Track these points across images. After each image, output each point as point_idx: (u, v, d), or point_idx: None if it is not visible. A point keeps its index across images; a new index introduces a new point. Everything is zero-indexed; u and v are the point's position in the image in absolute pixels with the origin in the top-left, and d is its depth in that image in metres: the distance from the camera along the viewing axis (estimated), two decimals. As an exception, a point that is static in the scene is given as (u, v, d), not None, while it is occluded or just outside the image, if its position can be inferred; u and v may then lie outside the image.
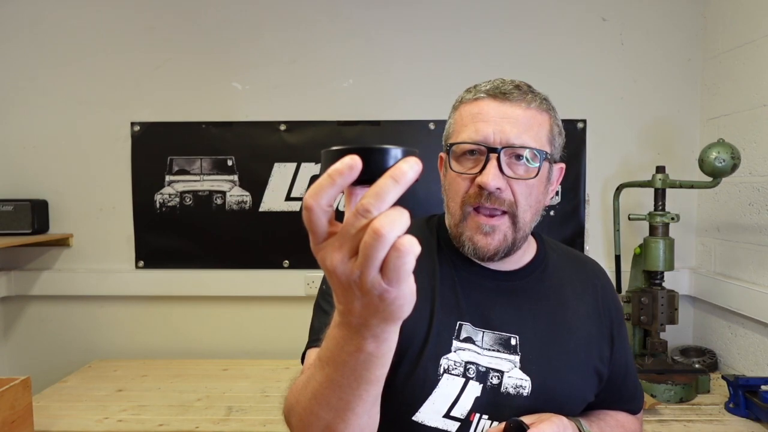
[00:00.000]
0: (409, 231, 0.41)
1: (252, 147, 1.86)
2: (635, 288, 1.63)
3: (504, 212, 0.82)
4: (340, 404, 0.57)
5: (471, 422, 0.80)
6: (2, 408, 1.15)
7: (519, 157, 0.81)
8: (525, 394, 0.81)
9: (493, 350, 0.83)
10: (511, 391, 0.81)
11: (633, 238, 1.81)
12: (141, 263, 1.88)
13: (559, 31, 1.83)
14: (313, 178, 1.85)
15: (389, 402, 0.67)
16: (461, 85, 0.91)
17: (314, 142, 1.86)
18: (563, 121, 0.90)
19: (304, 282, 1.85)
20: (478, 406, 0.80)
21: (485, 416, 0.80)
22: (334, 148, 0.42)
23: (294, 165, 1.87)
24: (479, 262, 0.88)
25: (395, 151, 0.42)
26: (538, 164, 0.81)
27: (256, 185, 1.87)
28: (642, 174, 1.79)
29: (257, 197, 1.87)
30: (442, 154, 0.90)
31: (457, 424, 0.79)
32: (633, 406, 0.98)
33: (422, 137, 1.84)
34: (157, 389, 1.57)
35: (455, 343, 0.82)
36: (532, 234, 0.96)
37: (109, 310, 1.90)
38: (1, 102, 1.86)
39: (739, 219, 1.64)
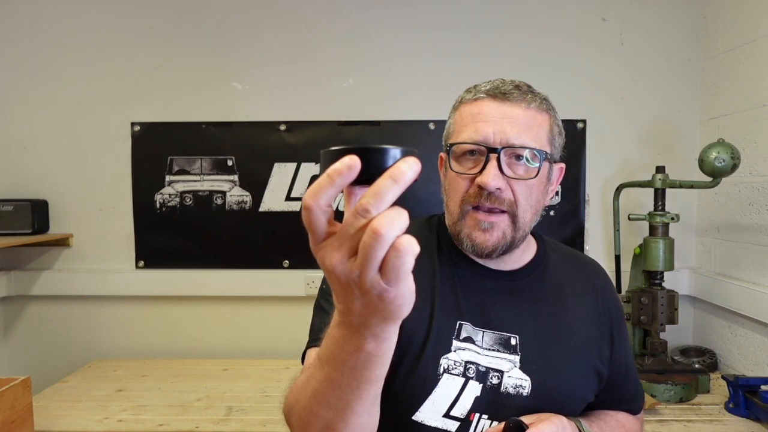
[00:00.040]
0: (409, 231, 0.41)
1: (252, 147, 1.86)
2: (635, 288, 1.63)
3: (503, 211, 0.82)
4: (339, 403, 0.57)
5: (471, 422, 0.80)
6: (2, 408, 1.15)
7: (519, 157, 0.81)
8: (525, 394, 0.81)
9: (493, 350, 0.83)
10: (511, 390, 0.81)
11: (633, 238, 1.81)
12: (141, 263, 1.88)
13: (559, 31, 1.83)
14: (313, 178, 1.85)
15: (389, 401, 0.67)
16: (461, 85, 0.91)
17: (314, 142, 1.86)
18: (563, 121, 0.90)
19: (304, 282, 1.85)
20: (478, 405, 0.80)
21: (485, 416, 0.80)
22: (333, 148, 0.42)
23: (294, 165, 1.87)
24: (478, 261, 0.88)
25: (394, 151, 0.42)
26: (538, 164, 0.82)
27: (256, 185, 1.87)
28: (642, 174, 1.79)
29: (257, 197, 1.87)
30: (442, 154, 0.90)
31: (456, 424, 0.79)
32: (633, 406, 0.98)
33: (422, 137, 1.84)
34: (157, 389, 1.57)
35: (455, 343, 0.82)
36: (532, 234, 0.96)
37: (109, 310, 1.90)
38: (1, 102, 1.87)
39: (739, 219, 1.64)
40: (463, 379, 0.80)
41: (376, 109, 1.86)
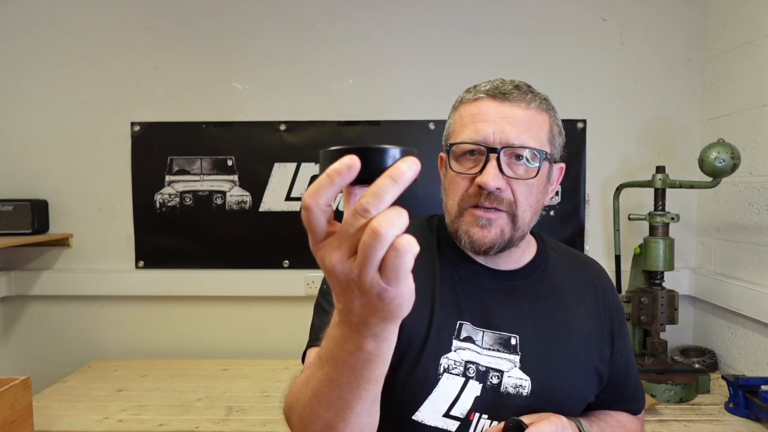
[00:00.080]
0: (409, 231, 0.41)
1: (252, 147, 1.86)
2: (635, 288, 1.64)
3: (503, 210, 0.82)
4: (339, 403, 0.57)
5: (471, 422, 0.80)
6: (2, 408, 1.15)
7: (519, 157, 0.81)
8: (525, 394, 0.81)
9: (493, 350, 0.83)
10: (511, 390, 0.81)
11: (633, 238, 1.81)
12: (141, 263, 1.88)
13: (559, 31, 1.83)
14: (313, 178, 1.84)
15: (389, 401, 0.67)
16: (461, 85, 0.91)
17: (314, 142, 1.86)
18: (563, 121, 0.90)
19: (304, 282, 1.85)
20: (478, 405, 0.80)
21: (485, 416, 0.80)
22: (333, 148, 0.42)
23: (294, 165, 1.87)
24: (478, 260, 0.88)
25: (393, 151, 0.42)
26: (537, 164, 0.82)
27: (256, 185, 1.87)
28: (642, 174, 1.79)
29: (257, 197, 1.87)
30: (442, 154, 0.90)
31: (456, 424, 0.79)
32: (634, 407, 0.98)
33: (422, 137, 1.84)
34: (157, 389, 1.57)
35: (455, 343, 0.82)
36: (533, 234, 0.96)
37: (109, 310, 1.90)
38: (1, 102, 1.87)
39: (739, 219, 1.64)
40: (463, 379, 0.80)
41: (376, 109, 1.86)
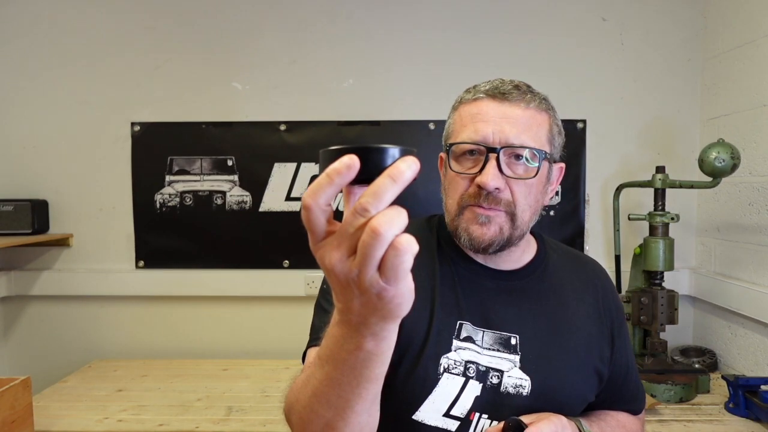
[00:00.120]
0: (409, 230, 0.41)
1: (252, 147, 1.86)
2: (635, 288, 1.63)
3: (501, 210, 0.82)
4: (339, 402, 0.57)
5: (471, 421, 0.80)
6: (2, 408, 1.15)
7: (518, 156, 0.81)
8: (525, 394, 0.81)
9: (493, 350, 0.83)
10: (511, 390, 0.81)
11: (633, 238, 1.81)
12: (141, 263, 1.88)
13: (559, 31, 1.83)
14: (313, 178, 1.84)
15: (389, 401, 0.67)
16: (461, 85, 0.91)
17: (314, 142, 1.86)
18: (563, 121, 0.90)
19: (304, 282, 1.85)
20: (478, 405, 0.80)
21: (485, 415, 0.80)
22: (332, 147, 0.42)
23: (294, 165, 1.87)
24: (478, 260, 0.88)
25: (393, 151, 0.42)
26: (537, 164, 0.82)
27: (256, 185, 1.87)
28: (642, 174, 1.79)
29: (257, 197, 1.87)
30: (442, 154, 0.90)
31: (457, 423, 0.79)
32: (634, 407, 0.98)
33: (422, 137, 1.84)
34: (157, 389, 1.57)
35: (455, 343, 0.82)
36: (533, 234, 0.96)
37: (109, 310, 1.90)
38: (1, 102, 1.87)
39: (739, 219, 1.64)
40: (463, 379, 0.80)
41: (376, 109, 1.86)
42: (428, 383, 0.80)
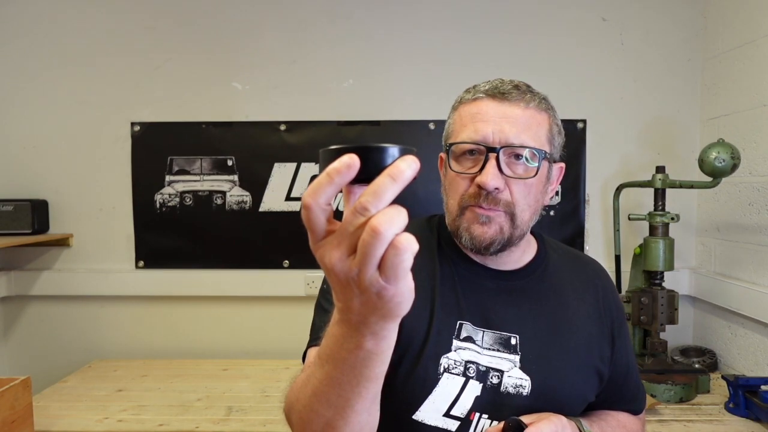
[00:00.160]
0: (409, 230, 0.41)
1: (252, 147, 1.86)
2: (635, 288, 1.63)
3: (501, 210, 0.82)
4: (339, 401, 0.57)
5: (471, 421, 0.80)
6: (2, 408, 1.15)
7: (518, 156, 0.81)
8: (525, 394, 0.81)
9: (493, 350, 0.83)
10: (511, 390, 0.81)
11: (633, 238, 1.81)
12: (141, 263, 1.88)
13: (559, 31, 1.83)
14: (313, 178, 1.84)
15: (389, 401, 0.67)
16: (461, 85, 0.91)
17: (314, 142, 1.86)
18: (563, 121, 0.90)
19: (304, 282, 1.85)
20: (478, 405, 0.80)
21: (485, 415, 0.80)
22: (332, 147, 0.42)
23: (294, 165, 1.87)
24: (478, 260, 0.88)
25: (393, 150, 0.42)
26: (537, 164, 0.82)
27: (256, 185, 1.87)
28: (642, 174, 1.79)
29: (257, 197, 1.87)
30: (442, 154, 0.90)
31: (457, 423, 0.79)
32: (635, 407, 0.98)
33: (422, 137, 1.84)
34: (157, 389, 1.57)
35: (455, 343, 0.82)
36: (533, 234, 0.96)
37: (109, 310, 1.90)
38: (1, 102, 1.87)
39: (739, 219, 1.64)
40: (464, 379, 0.80)
41: (376, 109, 1.86)
42: (428, 383, 0.80)
